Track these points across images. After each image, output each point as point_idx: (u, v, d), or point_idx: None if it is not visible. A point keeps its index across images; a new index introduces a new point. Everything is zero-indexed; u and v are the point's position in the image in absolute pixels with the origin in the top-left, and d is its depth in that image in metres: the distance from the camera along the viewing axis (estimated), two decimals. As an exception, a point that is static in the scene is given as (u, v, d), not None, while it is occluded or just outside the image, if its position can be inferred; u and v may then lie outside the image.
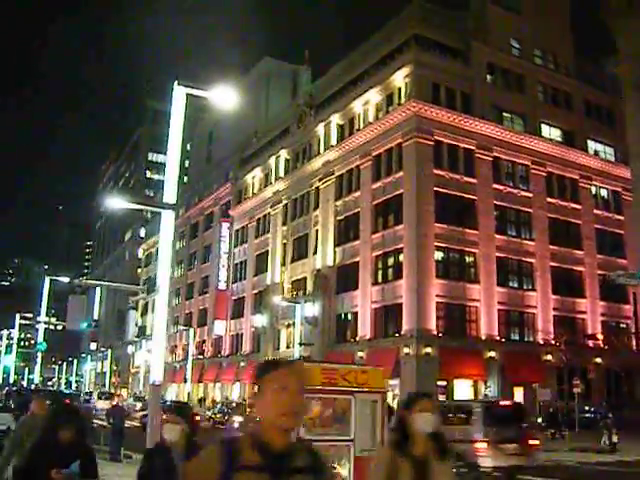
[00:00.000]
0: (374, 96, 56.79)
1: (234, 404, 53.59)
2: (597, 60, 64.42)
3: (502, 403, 28.69)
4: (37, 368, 49.84)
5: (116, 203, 15.42)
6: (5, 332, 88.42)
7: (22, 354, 78.50)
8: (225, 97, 15.94)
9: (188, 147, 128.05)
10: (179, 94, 15.61)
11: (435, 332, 48.09)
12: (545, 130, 59.39)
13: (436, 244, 49.97)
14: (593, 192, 61.48)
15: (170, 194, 15.40)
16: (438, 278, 49.43)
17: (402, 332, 48.62)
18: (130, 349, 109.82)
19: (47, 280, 46.35)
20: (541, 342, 53.37)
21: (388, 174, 53.58)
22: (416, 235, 49.29)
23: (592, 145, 62.78)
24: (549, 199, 57.24)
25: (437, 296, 49.06)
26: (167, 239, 15.17)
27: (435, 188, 50.78)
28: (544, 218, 56.46)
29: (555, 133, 60.20)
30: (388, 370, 48.96)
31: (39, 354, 47.57)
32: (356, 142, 57.38)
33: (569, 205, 58.57)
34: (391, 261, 52.60)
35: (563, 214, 57.89)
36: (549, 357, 52.18)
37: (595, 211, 60.46)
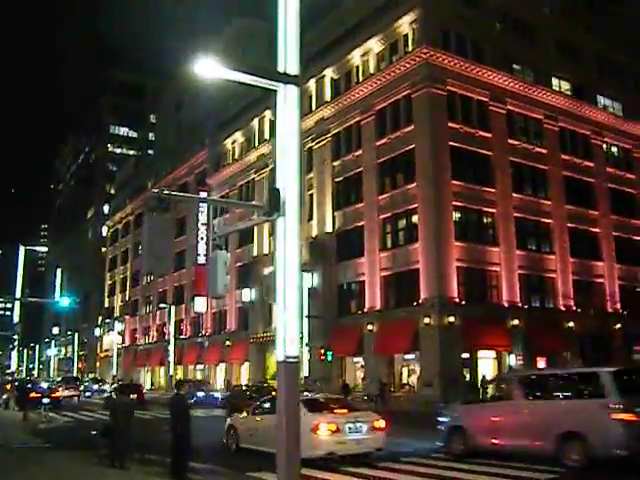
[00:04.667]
0: (375, 45, 51.94)
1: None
2: (608, 12, 60.33)
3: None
4: (14, 354, 43.97)
5: (212, 70, 10.24)
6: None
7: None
8: None
9: (152, 119, 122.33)
10: None
11: (457, 300, 43.68)
12: (555, 83, 55.25)
13: (454, 203, 45.51)
14: (604, 149, 57.66)
15: (291, 62, 10.49)
16: (456, 240, 45.00)
17: (420, 301, 44.05)
18: (97, 332, 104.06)
19: (22, 250, 40.66)
20: (562, 308, 49.43)
21: (395, 129, 48.86)
22: (432, 193, 44.74)
23: (601, 100, 58.89)
24: (563, 155, 53.25)
25: (456, 260, 44.66)
26: (293, 127, 10.28)
27: (450, 142, 46.27)
28: (559, 176, 52.55)
29: (565, 86, 56.05)
30: (404, 343, 44.77)
31: (15, 337, 41.82)
32: (355, 96, 52.49)
33: (582, 162, 54.65)
34: (402, 223, 47.97)
35: (577, 172, 54.03)
36: (571, 324, 48.41)
37: (607, 169, 56.64)
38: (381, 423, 16.90)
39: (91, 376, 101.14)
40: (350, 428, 16.18)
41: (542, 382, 17.71)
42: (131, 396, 46.04)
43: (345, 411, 17.40)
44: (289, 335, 9.63)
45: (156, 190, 10.37)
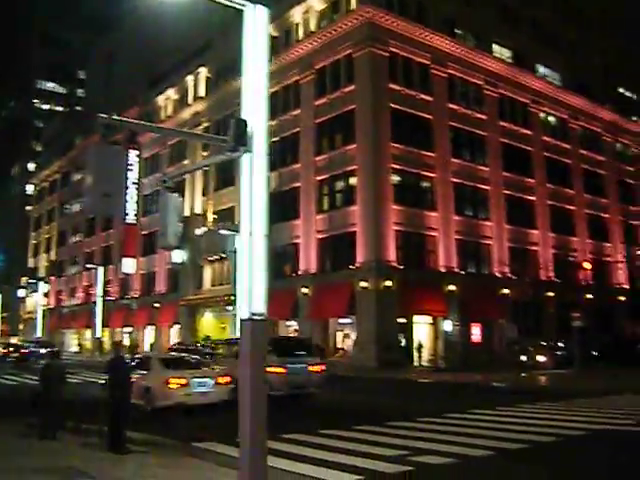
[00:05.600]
0: (317, 3, 50.60)
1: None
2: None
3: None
4: None
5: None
6: None
7: None
8: None
9: (82, 75, 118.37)
10: None
11: (394, 264, 43.09)
12: (496, 49, 54.87)
13: (393, 166, 44.76)
14: (542, 118, 57.63)
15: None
16: (395, 204, 44.32)
17: (357, 264, 43.33)
18: (21, 293, 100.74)
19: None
20: (498, 275, 49.41)
21: (335, 89, 47.74)
22: (372, 156, 43.94)
23: (540, 69, 58.82)
24: (502, 123, 53.04)
25: (394, 224, 44.02)
26: (261, 54, 9.08)
27: (390, 104, 45.41)
28: (497, 142, 52.40)
29: (506, 54, 55.75)
30: (340, 307, 44.09)
31: None
32: (295, 55, 51.07)
33: (520, 130, 54.56)
34: (340, 185, 47.08)
35: (515, 139, 53.91)
36: (506, 291, 48.43)
37: (544, 138, 56.68)
38: (226, 379, 19.72)
39: (14, 340, 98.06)
40: (198, 383, 19.09)
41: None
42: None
43: (194, 368, 20.50)
44: (255, 290, 8.49)
45: (104, 115, 8.95)
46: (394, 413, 18.50)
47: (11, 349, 55.66)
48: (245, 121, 8.76)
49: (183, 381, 18.86)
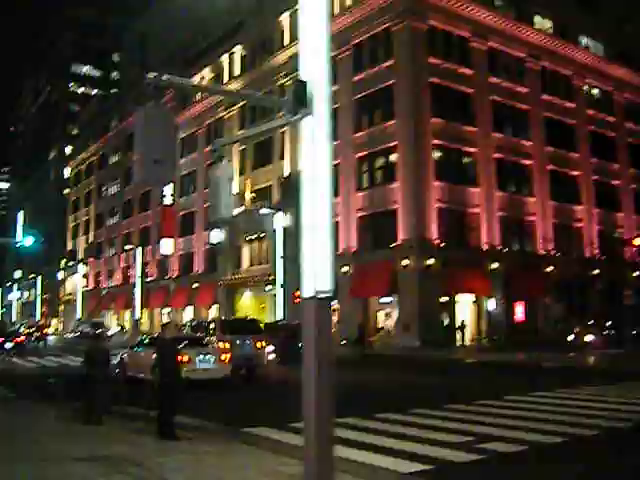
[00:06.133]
0: (353, -24, 49.54)
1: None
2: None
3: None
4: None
5: None
6: None
7: None
8: None
9: (116, 57, 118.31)
10: None
11: (436, 242, 42.25)
12: (537, 21, 53.39)
13: (433, 142, 43.80)
14: (585, 90, 56.08)
15: None
16: (436, 180, 43.41)
17: (398, 242, 42.54)
18: (60, 275, 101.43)
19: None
20: (542, 253, 48.30)
21: (373, 64, 46.81)
22: (412, 131, 43.00)
23: (583, 40, 57.18)
24: (544, 96, 51.62)
25: (436, 201, 43.13)
26: (321, 6, 8.37)
27: (430, 79, 44.38)
28: (540, 116, 51.03)
29: (547, 25, 54.21)
30: (382, 286, 43.40)
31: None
32: (332, 30, 49.96)
33: (563, 103, 53.10)
34: (380, 162, 46.22)
35: (558, 113, 52.47)
36: (550, 269, 47.30)
37: (588, 111, 55.16)
38: (226, 357, 21.96)
39: (54, 322, 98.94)
40: (200, 359, 20.90)
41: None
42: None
43: (200, 346, 22.06)
44: (320, 265, 7.75)
45: (153, 75, 8.06)
46: (447, 395, 17.80)
47: (32, 330, 60.30)
48: (304, 82, 8.05)
49: (186, 358, 19.83)
